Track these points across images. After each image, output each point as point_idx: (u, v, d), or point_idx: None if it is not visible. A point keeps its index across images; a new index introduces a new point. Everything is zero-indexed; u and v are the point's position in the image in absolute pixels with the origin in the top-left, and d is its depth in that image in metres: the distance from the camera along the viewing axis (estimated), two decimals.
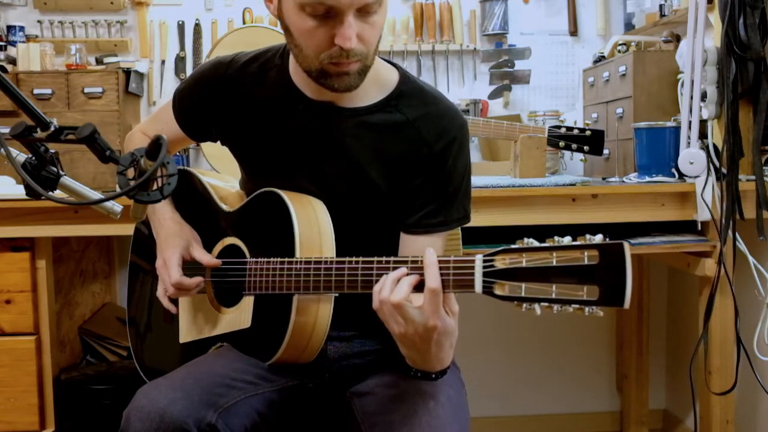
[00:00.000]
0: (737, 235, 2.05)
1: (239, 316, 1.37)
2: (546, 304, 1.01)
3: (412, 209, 1.36)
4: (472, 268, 1.08)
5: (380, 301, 1.13)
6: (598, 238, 1.00)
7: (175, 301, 1.48)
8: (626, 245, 0.98)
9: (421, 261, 1.13)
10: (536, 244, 1.04)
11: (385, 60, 1.39)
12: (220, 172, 2.17)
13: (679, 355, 2.77)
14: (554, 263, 1.00)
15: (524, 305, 1.03)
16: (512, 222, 2.07)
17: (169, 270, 1.40)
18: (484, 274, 1.06)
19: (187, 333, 1.47)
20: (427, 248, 1.13)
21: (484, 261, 1.07)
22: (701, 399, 2.18)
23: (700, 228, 2.12)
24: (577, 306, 1.00)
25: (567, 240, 1.02)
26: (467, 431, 1.28)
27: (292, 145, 1.38)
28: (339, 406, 1.38)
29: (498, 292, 1.05)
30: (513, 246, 1.05)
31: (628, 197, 2.10)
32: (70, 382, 2.27)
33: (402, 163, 1.35)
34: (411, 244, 1.37)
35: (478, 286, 1.07)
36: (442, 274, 1.10)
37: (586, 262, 0.99)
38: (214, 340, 1.41)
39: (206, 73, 1.45)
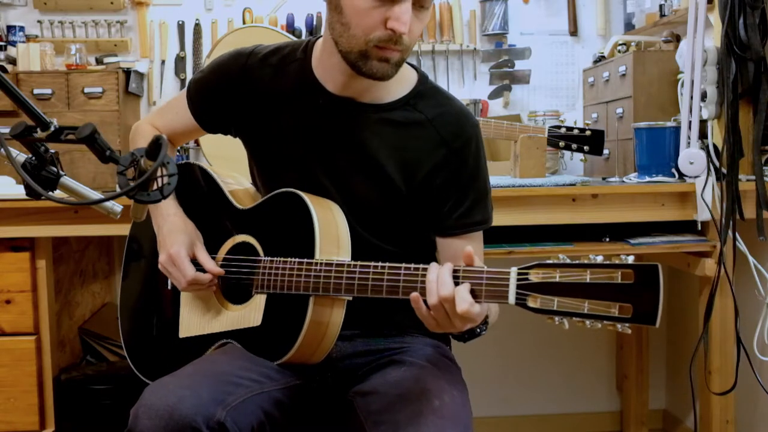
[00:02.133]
0: (737, 235, 2.05)
1: (249, 313, 1.37)
2: (578, 318, 1.05)
3: (446, 211, 1.38)
4: (507, 280, 1.11)
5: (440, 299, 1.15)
6: (632, 259, 1.04)
7: (177, 293, 1.48)
8: (660, 267, 1.02)
9: (455, 270, 1.15)
10: (570, 261, 1.08)
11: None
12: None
13: (679, 355, 2.77)
14: (588, 280, 1.05)
15: (556, 318, 1.07)
16: (512, 222, 2.07)
17: (182, 268, 1.38)
18: (518, 287, 1.10)
19: (188, 328, 1.46)
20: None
21: (519, 273, 1.10)
22: (701, 399, 2.18)
23: (700, 228, 2.12)
24: (609, 322, 1.04)
25: (600, 259, 1.06)
26: (471, 431, 1.28)
27: (309, 139, 1.39)
28: (342, 406, 1.38)
29: (531, 304, 1.09)
30: (547, 261, 1.09)
31: (628, 197, 2.10)
32: (70, 382, 2.27)
33: (420, 161, 1.37)
34: (450, 248, 1.39)
35: (512, 297, 1.11)
36: (475, 284, 1.13)
37: (620, 281, 1.03)
38: (218, 336, 1.40)
39: (226, 63, 1.44)
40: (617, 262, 1.05)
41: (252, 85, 1.41)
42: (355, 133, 1.36)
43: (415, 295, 1.16)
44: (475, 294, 1.13)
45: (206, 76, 1.47)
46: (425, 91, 1.39)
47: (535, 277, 1.08)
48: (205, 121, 1.50)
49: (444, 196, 1.38)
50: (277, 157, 1.42)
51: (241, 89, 1.42)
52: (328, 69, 1.35)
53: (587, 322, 1.05)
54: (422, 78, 1.41)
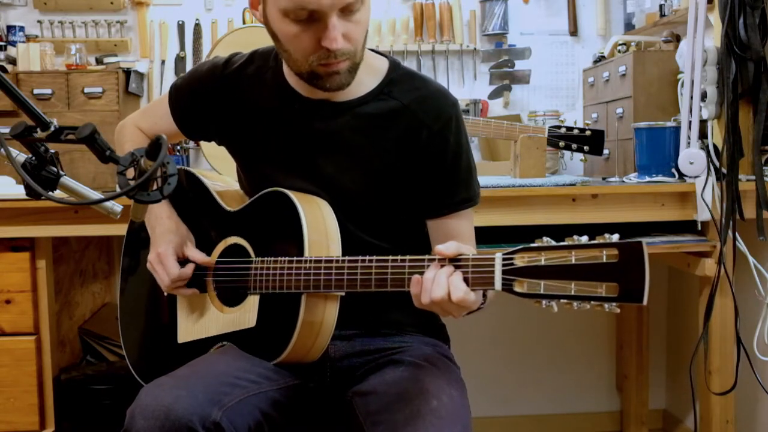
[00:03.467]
0: (737, 235, 2.05)
1: (243, 315, 1.37)
2: (565, 301, 1.04)
3: (431, 193, 1.38)
4: (492, 265, 1.10)
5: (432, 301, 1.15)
6: (616, 237, 1.03)
7: (173, 299, 1.49)
8: (645, 244, 1.01)
9: (440, 259, 1.15)
10: (554, 243, 1.07)
11: (374, 51, 1.41)
12: (220, 172, 2.17)
13: (679, 355, 2.77)
14: (573, 261, 1.03)
15: (544, 302, 1.06)
16: (512, 222, 2.07)
17: (166, 266, 1.40)
18: (504, 272, 1.09)
19: (185, 333, 1.47)
20: (446, 266, 1.14)
21: (504, 259, 1.09)
22: (701, 399, 2.18)
23: (700, 228, 2.12)
24: (596, 303, 1.03)
25: (585, 239, 1.05)
26: (470, 431, 1.28)
27: (292, 145, 1.39)
28: (340, 406, 1.38)
29: (517, 289, 1.07)
30: (532, 245, 1.08)
31: (628, 197, 2.10)
32: (70, 382, 2.27)
33: (403, 148, 1.37)
34: (441, 229, 1.40)
35: (498, 283, 1.10)
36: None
37: (605, 260, 1.02)
38: (215, 339, 1.41)
39: (202, 75, 1.46)
40: (601, 241, 1.03)
41: (230, 96, 1.42)
42: (335, 133, 1.37)
43: (416, 277, 1.16)
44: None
45: (185, 87, 1.48)
46: (398, 77, 1.39)
47: (520, 261, 1.07)
48: (186, 129, 1.52)
49: (430, 178, 1.38)
50: (261, 165, 1.43)
51: (219, 101, 1.43)
52: (296, 77, 1.35)
53: (575, 303, 1.04)
54: (393, 65, 1.40)
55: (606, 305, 1.02)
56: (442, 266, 1.15)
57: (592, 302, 1.03)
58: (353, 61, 1.27)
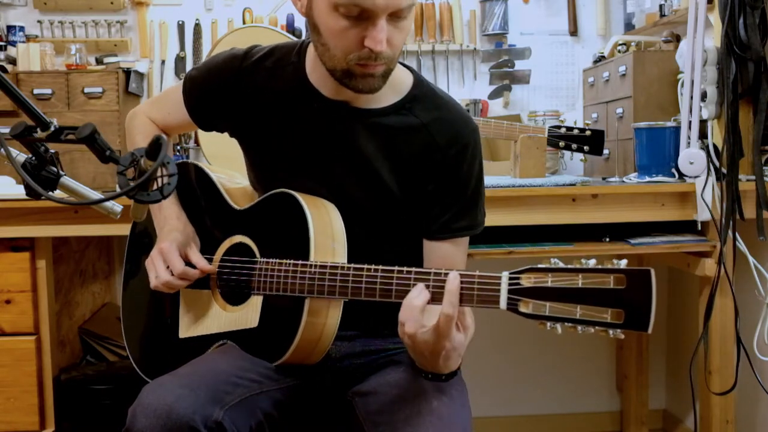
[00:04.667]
0: (737, 235, 2.05)
1: (246, 315, 1.37)
2: (570, 324, 1.04)
3: (433, 215, 1.38)
4: (498, 284, 1.10)
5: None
6: (624, 264, 1.03)
7: (176, 294, 1.49)
8: (653, 272, 1.01)
9: (444, 274, 1.14)
10: (562, 265, 1.06)
11: (400, 63, 1.39)
12: None
13: (679, 355, 2.77)
14: (580, 285, 1.03)
15: (548, 324, 1.06)
16: (512, 222, 2.07)
17: (171, 261, 1.38)
18: (509, 291, 1.09)
19: (186, 329, 1.47)
20: (451, 272, 1.14)
21: (510, 278, 1.09)
22: (701, 399, 2.18)
23: (700, 228, 2.12)
24: (601, 328, 1.03)
25: (593, 263, 1.05)
26: (470, 431, 1.28)
27: (304, 143, 1.38)
28: (341, 406, 1.38)
29: (522, 309, 1.07)
30: (539, 265, 1.08)
31: (628, 197, 2.10)
32: (70, 382, 2.27)
33: (414, 166, 1.36)
34: (436, 251, 1.39)
35: (503, 302, 1.10)
36: (466, 289, 1.12)
37: (612, 286, 1.02)
38: (216, 337, 1.41)
39: (220, 65, 1.44)
40: (609, 266, 1.03)
41: (247, 88, 1.41)
42: (349, 138, 1.36)
43: (421, 285, 1.16)
44: (464, 299, 1.13)
45: (201, 77, 1.46)
46: (421, 94, 1.38)
47: (526, 281, 1.07)
48: (200, 119, 1.50)
49: (435, 200, 1.37)
50: (272, 161, 1.42)
51: (235, 93, 1.41)
52: (321, 75, 1.34)
53: (579, 327, 1.04)
54: (418, 81, 1.39)
55: (611, 331, 1.02)
56: (416, 279, 1.16)
57: (596, 327, 1.03)
58: (389, 67, 1.26)
